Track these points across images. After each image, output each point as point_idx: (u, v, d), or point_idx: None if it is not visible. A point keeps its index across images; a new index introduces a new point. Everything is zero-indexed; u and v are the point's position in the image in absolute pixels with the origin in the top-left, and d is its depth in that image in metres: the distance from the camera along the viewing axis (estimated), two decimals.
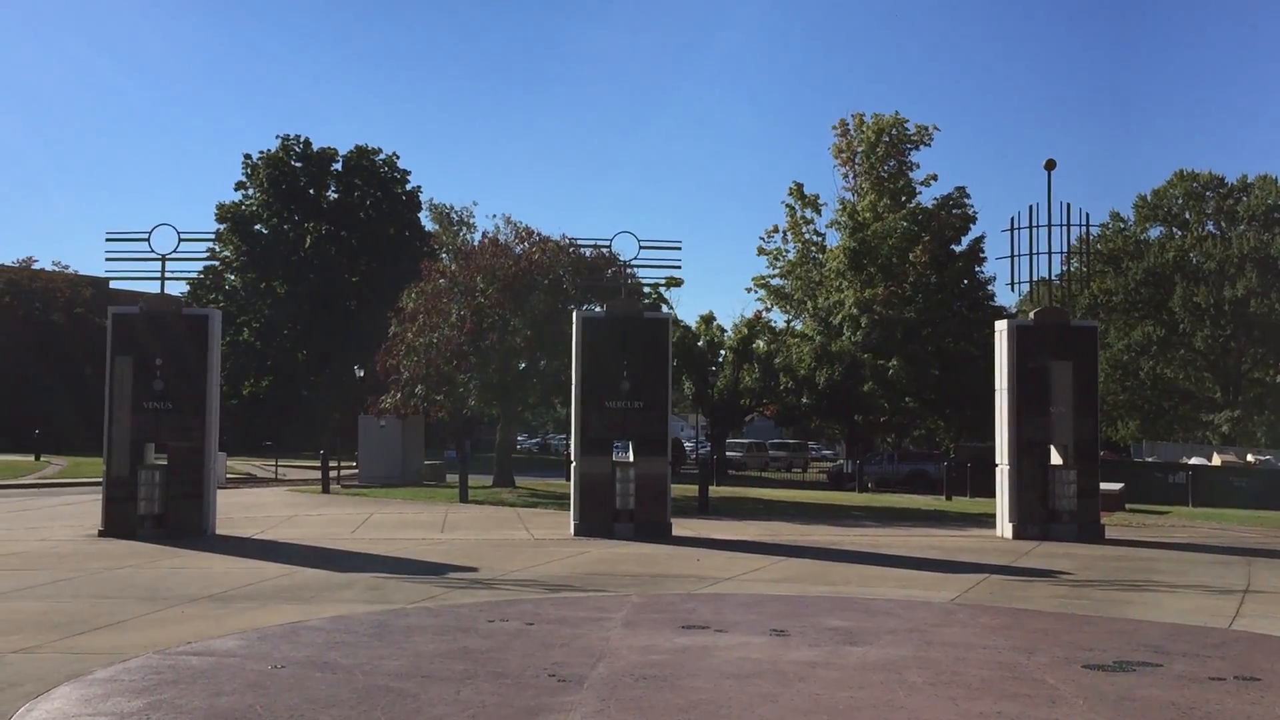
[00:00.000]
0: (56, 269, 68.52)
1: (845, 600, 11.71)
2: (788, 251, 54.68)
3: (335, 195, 63.14)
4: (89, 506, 22.32)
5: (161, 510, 17.24)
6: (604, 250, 25.82)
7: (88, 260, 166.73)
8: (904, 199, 51.81)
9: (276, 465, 39.71)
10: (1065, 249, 20.62)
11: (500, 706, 6.97)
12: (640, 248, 19.35)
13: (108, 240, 18.33)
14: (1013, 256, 20.38)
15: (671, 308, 34.99)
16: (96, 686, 7.42)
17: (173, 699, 7.07)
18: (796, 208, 54.00)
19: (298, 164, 61.88)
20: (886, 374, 45.12)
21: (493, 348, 27.21)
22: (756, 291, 55.28)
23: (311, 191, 62.38)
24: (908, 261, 48.60)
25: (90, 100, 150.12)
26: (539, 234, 29.57)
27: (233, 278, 61.40)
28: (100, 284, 66.55)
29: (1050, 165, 20.64)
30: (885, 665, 8.29)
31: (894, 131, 52.43)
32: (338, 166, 63.12)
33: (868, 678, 7.89)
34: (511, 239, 31.36)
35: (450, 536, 17.85)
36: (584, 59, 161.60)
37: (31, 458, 42.80)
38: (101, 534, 17.13)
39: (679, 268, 20.15)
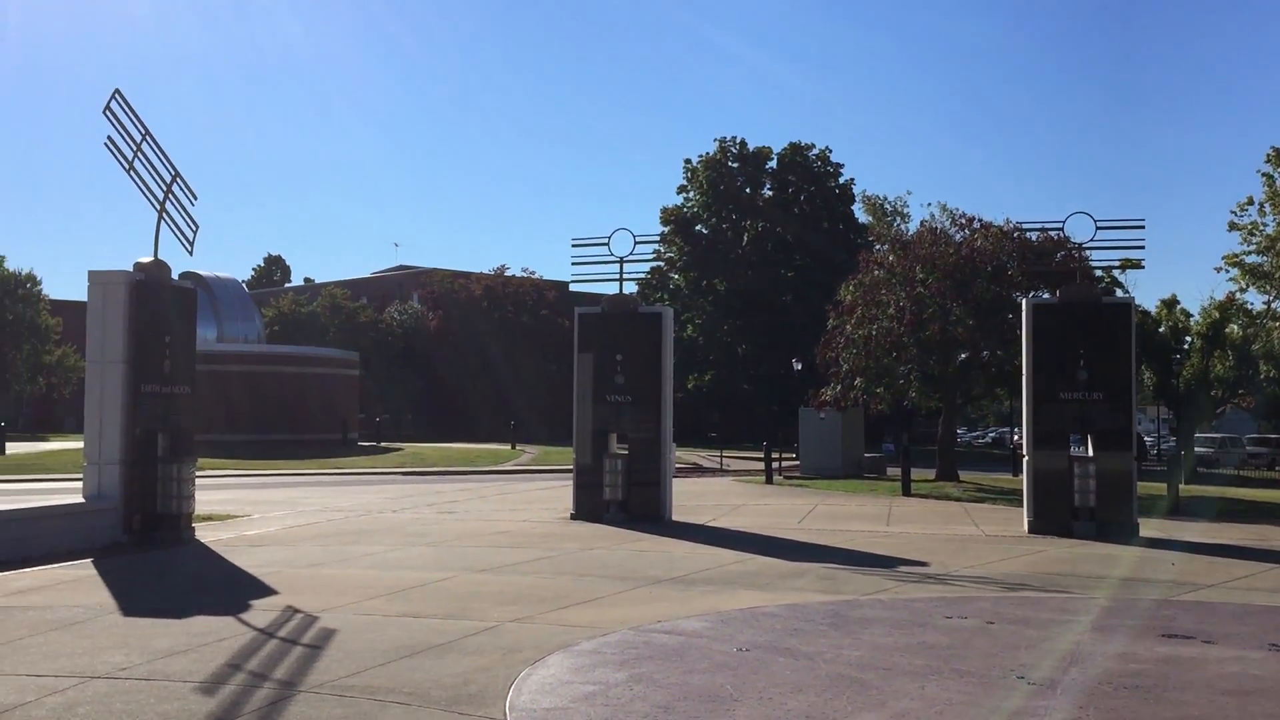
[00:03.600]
0: (525, 275, 75.47)
1: None
2: (1266, 225, 48.90)
3: (770, 193, 64.66)
4: (559, 492, 24.34)
5: (624, 497, 18.43)
6: (1052, 233, 24.47)
7: (551, 265, 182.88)
8: None
9: (721, 456, 41.25)
10: None
11: (968, 705, 6.77)
12: (1097, 228, 18.06)
13: (573, 246, 19.84)
14: None
15: (1126, 292, 32.38)
16: (583, 657, 8.05)
17: (651, 673, 7.52)
18: (1276, 176, 48.21)
19: (734, 165, 64.03)
20: None
21: (933, 338, 26.61)
22: (1228, 271, 49.94)
23: (748, 190, 64.31)
24: None
25: (551, 118, 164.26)
26: (979, 220, 28.56)
27: (676, 277, 64.61)
28: (561, 287, 72.59)
29: None
30: None
31: None
32: (772, 165, 64.60)
33: None
34: (949, 226, 30.52)
35: (896, 530, 17.66)
36: (1017, 35, 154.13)
37: (508, 446, 47.41)
38: (573, 517, 18.61)
39: (1141, 248, 18.56)
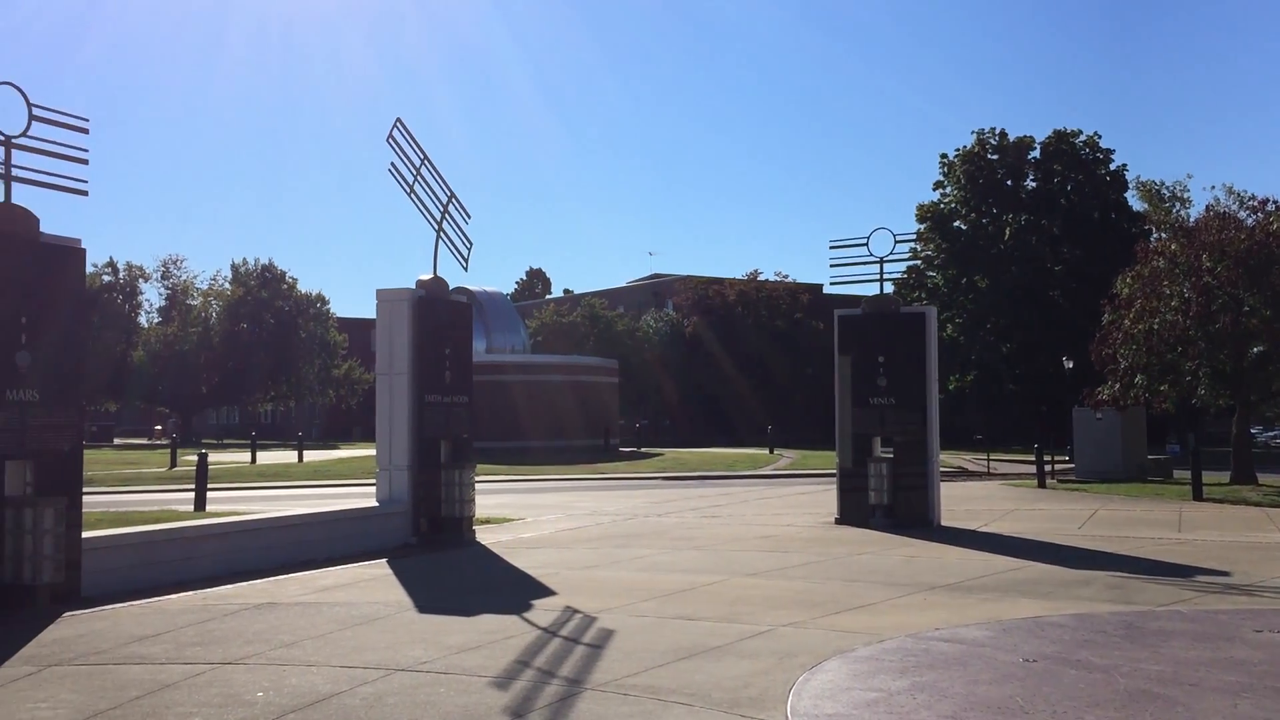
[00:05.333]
0: (778, 279, 75.38)
1: None
2: None
3: (1034, 184, 61.95)
4: (821, 496, 24.13)
5: (890, 501, 18.05)
6: None
7: (804, 268, 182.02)
8: None
9: (988, 459, 39.79)
10: None
11: None
12: None
13: (830, 248, 19.56)
14: None
15: None
16: (860, 664, 7.93)
17: (933, 682, 7.32)
18: None
19: (993, 156, 61.70)
20: None
21: (1224, 331, 24.70)
22: None
23: (1009, 183, 61.83)
24: None
25: (799, 120, 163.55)
26: (1274, 201, 26.32)
27: (934, 275, 62.86)
28: (815, 290, 72.12)
29: None
30: None
31: None
32: (1035, 154, 61.88)
33: None
34: (1238, 210, 28.33)
35: (1189, 536, 16.49)
36: None
37: (766, 450, 47.41)
38: (837, 522, 18.38)
39: None
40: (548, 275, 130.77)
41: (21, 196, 10.99)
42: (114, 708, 6.91)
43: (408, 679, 7.54)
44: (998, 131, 61.82)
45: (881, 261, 18.99)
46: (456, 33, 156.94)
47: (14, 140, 10.79)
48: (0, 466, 10.32)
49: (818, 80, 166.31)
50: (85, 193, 11.30)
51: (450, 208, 16.74)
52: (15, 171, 10.87)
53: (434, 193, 16.52)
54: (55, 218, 11.04)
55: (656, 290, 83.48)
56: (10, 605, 10.16)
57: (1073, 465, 32.53)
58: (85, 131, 11.29)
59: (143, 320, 78.17)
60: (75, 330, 11.26)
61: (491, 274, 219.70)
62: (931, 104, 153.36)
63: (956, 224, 62.60)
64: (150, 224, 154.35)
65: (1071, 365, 40.18)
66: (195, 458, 24.97)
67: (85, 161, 11.29)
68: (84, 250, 11.36)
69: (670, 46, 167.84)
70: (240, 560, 13.17)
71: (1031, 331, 57.75)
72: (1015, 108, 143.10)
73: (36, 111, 10.90)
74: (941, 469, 29.80)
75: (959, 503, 22.22)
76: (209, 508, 21.32)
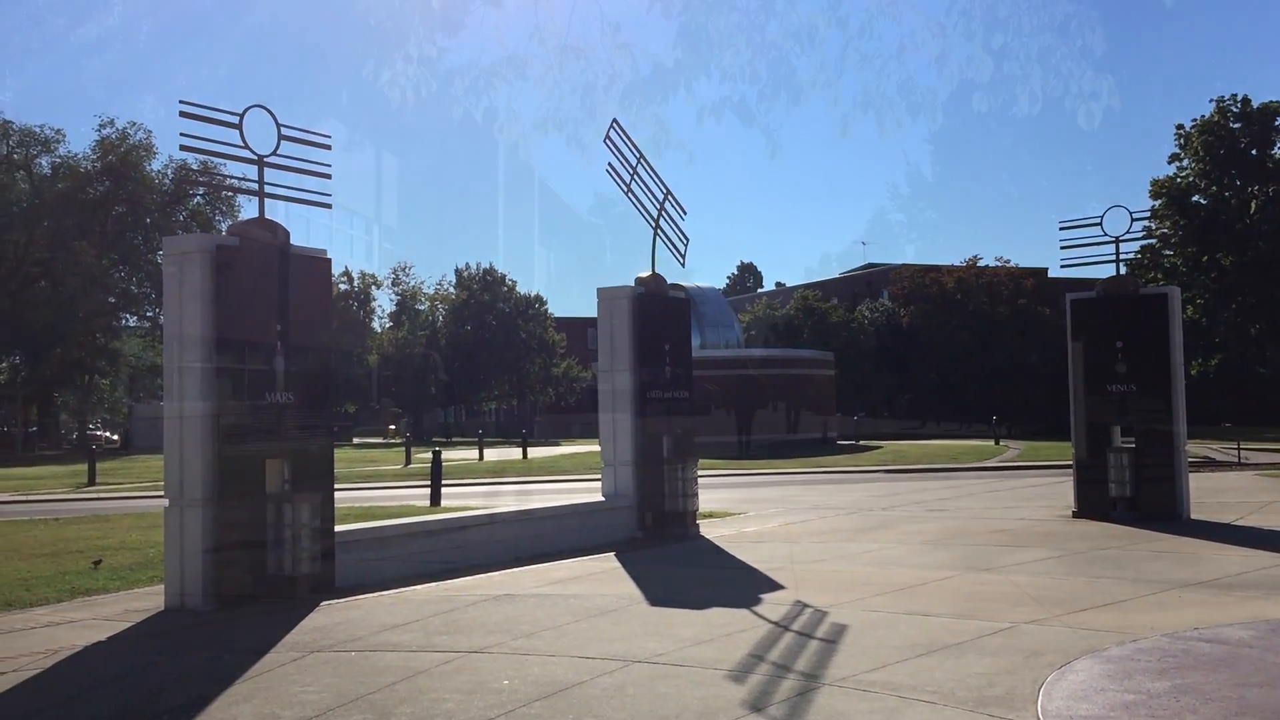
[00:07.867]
0: (999, 264, 72.70)
1: None
2: None
3: None
4: (1053, 488, 23.13)
5: (1133, 493, 17.10)
6: None
7: (1026, 253, 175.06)
8: None
9: (1238, 448, 37.16)
10: None
11: None
12: None
13: (1060, 229, 18.55)
14: None
15: None
16: (1113, 664, 7.53)
17: (1196, 684, 6.87)
18: None
19: (1236, 125, 57.60)
20: None
21: None
22: None
23: (1254, 153, 57.62)
24: None
25: (1012, 99, 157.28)
26: None
27: (1170, 254, 59.25)
28: (1039, 274, 69.25)
29: None
30: None
31: None
32: None
33: None
34: None
35: None
36: None
37: (991, 441, 45.80)
38: (1075, 515, 17.55)
39: None
40: (759, 269, 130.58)
41: (269, 210, 11.75)
42: (373, 692, 7.29)
43: (645, 670, 7.64)
44: (1240, 99, 57.70)
45: (1117, 241, 18.02)
46: (634, 37, 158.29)
47: (266, 159, 11.54)
48: (261, 465, 11.04)
49: (1033, 57, 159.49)
50: (329, 205, 12.00)
51: (666, 205, 16.90)
52: (267, 188, 11.63)
53: (650, 191, 16.71)
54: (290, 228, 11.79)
55: (870, 280, 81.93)
56: (274, 594, 10.87)
57: None
58: (328, 148, 11.97)
59: (375, 325, 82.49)
60: (323, 335, 11.95)
61: (703, 270, 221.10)
62: (1162, 73, 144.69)
63: (1195, 198, 58.80)
64: (375, 233, 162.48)
65: None
66: (428, 455, 26.15)
67: (328, 176, 11.97)
68: (329, 260, 12.03)
69: (878, 26, 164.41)
70: (476, 553, 13.67)
71: None
72: (1258, 73, 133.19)
73: (285, 131, 11.62)
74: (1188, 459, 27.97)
75: (1209, 494, 20.86)
76: (443, 502, 22.26)
